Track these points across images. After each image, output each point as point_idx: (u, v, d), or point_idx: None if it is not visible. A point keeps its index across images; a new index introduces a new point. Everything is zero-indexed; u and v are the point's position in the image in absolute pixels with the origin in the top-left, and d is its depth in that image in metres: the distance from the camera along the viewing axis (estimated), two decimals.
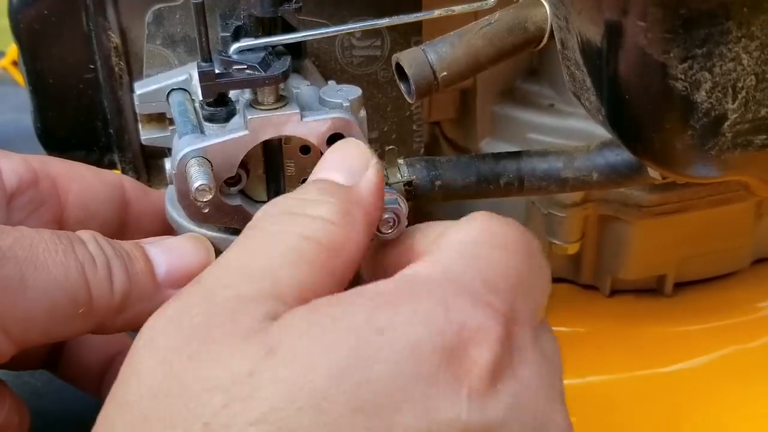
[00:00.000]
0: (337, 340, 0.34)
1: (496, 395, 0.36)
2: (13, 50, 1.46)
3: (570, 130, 0.79)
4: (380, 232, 0.51)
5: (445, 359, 0.34)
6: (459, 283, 0.38)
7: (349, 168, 0.46)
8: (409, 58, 0.56)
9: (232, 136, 0.54)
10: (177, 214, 0.62)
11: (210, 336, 0.34)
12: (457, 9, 0.57)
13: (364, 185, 0.45)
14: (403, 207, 0.52)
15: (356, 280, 0.44)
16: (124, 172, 0.72)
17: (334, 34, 0.61)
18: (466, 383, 0.35)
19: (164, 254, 0.50)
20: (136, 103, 0.63)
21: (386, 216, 0.51)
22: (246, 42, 0.55)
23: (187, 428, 0.31)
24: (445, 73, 0.56)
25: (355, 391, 0.32)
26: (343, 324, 0.34)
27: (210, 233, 0.60)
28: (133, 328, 0.42)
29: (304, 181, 0.59)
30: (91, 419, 0.74)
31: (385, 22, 0.58)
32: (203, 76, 0.53)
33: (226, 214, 0.57)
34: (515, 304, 0.39)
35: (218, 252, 0.62)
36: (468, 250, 0.41)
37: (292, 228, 0.41)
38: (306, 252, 0.39)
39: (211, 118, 0.56)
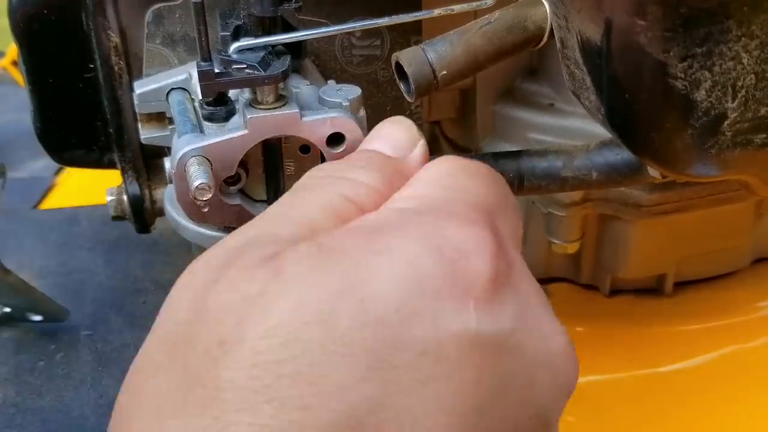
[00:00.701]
0: (338, 261, 0.35)
1: (501, 305, 0.37)
2: (13, 50, 1.46)
3: (570, 129, 0.79)
4: None
5: (448, 274, 0.35)
6: (446, 207, 0.39)
7: (399, 142, 0.47)
8: (408, 57, 0.56)
9: (231, 135, 0.54)
10: (176, 214, 0.62)
11: (231, 267, 0.36)
12: (457, 8, 0.57)
13: (411, 161, 0.46)
14: None
15: None
16: (123, 171, 0.72)
17: (334, 33, 0.61)
18: (472, 295, 0.35)
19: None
20: (136, 102, 0.63)
21: None
22: (246, 41, 0.55)
23: (206, 347, 0.33)
24: (444, 72, 0.56)
25: (360, 307, 0.33)
26: (343, 248, 0.36)
27: (210, 233, 0.60)
28: None
29: None
30: (91, 417, 0.74)
31: (384, 21, 0.58)
32: (203, 75, 0.53)
33: (226, 213, 0.57)
34: (499, 224, 0.40)
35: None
36: (446, 180, 0.42)
37: (336, 188, 0.41)
38: (345, 212, 0.40)
39: (210, 118, 0.56)
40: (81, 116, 0.71)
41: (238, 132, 0.54)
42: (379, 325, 0.33)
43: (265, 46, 0.55)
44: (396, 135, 0.47)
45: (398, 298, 0.34)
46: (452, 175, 0.42)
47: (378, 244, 0.36)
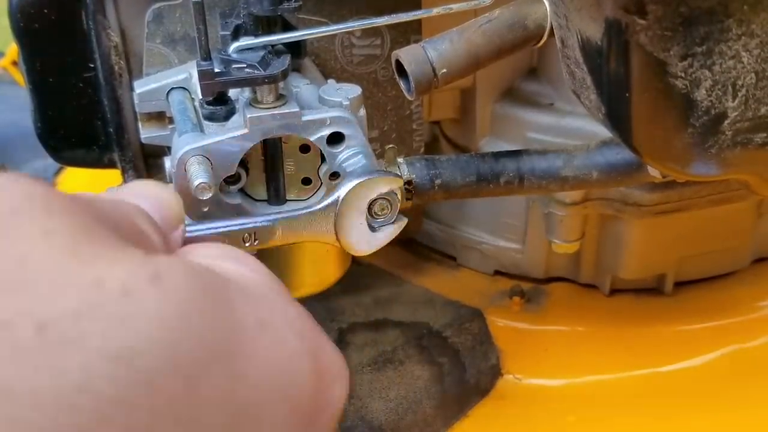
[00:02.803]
0: None
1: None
2: (13, 50, 1.46)
3: (570, 128, 0.79)
4: (374, 215, 0.52)
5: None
6: None
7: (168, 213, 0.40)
8: (408, 55, 0.56)
9: (231, 134, 0.54)
10: None
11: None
12: (456, 7, 0.57)
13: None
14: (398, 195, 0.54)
15: None
16: (124, 171, 0.72)
17: (334, 32, 0.61)
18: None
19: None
20: (136, 101, 0.63)
21: (381, 201, 0.52)
22: (245, 41, 0.55)
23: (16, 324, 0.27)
24: (444, 70, 0.56)
25: None
26: None
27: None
28: None
29: (303, 179, 0.60)
30: None
31: (384, 20, 0.58)
32: (203, 74, 0.53)
33: (226, 212, 0.57)
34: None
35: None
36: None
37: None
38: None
39: (210, 117, 0.56)
40: (81, 116, 0.71)
41: (238, 131, 0.54)
42: None
43: (264, 46, 0.55)
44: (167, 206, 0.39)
45: None
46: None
47: None
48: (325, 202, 0.53)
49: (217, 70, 0.53)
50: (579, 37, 0.49)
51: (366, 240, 0.54)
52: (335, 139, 0.56)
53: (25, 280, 0.27)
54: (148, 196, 0.38)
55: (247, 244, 0.50)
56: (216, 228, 0.49)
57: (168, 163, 0.65)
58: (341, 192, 0.53)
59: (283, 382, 0.32)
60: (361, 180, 0.53)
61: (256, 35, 0.56)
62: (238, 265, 0.37)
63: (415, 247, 0.95)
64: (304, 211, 0.52)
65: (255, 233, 0.51)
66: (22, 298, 0.27)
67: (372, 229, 0.54)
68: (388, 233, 0.55)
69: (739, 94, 0.45)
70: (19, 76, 1.39)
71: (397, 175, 0.56)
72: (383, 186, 0.53)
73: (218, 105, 0.56)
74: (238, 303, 0.32)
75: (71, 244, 0.28)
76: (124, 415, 0.26)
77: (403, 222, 0.55)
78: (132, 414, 0.26)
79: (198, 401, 0.28)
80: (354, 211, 0.53)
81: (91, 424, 0.26)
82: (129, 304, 0.27)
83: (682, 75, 0.44)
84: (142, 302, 0.28)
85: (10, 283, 0.27)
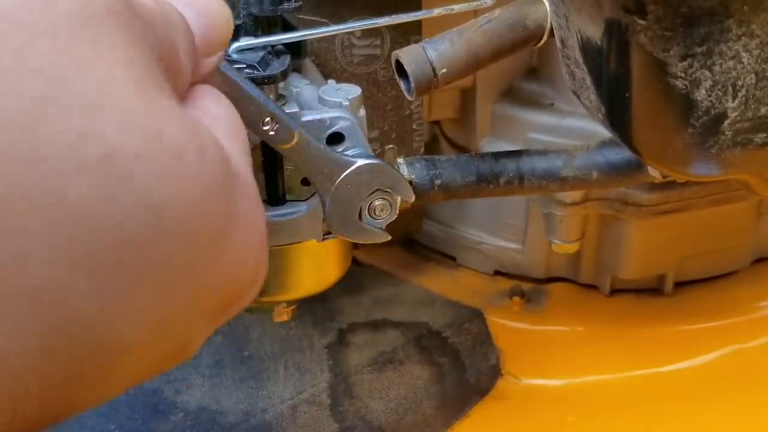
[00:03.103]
0: None
1: None
2: None
3: (570, 129, 0.79)
4: (375, 217, 0.52)
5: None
6: None
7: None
8: (408, 55, 0.56)
9: None
10: None
11: None
12: (457, 8, 0.57)
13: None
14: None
15: None
16: None
17: (334, 33, 0.61)
18: None
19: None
20: None
21: (378, 202, 0.52)
22: (245, 41, 0.55)
23: None
24: (444, 71, 0.56)
25: None
26: None
27: None
28: None
29: (303, 180, 0.60)
30: (90, 416, 0.74)
31: (384, 20, 0.58)
32: None
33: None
34: None
35: None
36: None
37: None
38: None
39: None
40: None
41: None
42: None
43: (264, 46, 0.55)
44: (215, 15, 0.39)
45: None
46: None
47: None
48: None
49: None
50: (579, 37, 0.49)
51: None
52: (335, 139, 0.56)
53: (102, 107, 0.28)
54: (198, 6, 0.38)
55: (265, 128, 0.48)
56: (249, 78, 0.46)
57: None
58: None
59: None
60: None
61: (256, 35, 0.56)
62: (235, 153, 0.37)
63: (414, 247, 0.95)
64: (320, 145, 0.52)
65: (278, 122, 0.48)
66: (97, 122, 0.28)
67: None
68: None
69: (739, 95, 0.45)
70: None
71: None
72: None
73: None
74: (234, 199, 0.34)
75: (143, 82, 0.30)
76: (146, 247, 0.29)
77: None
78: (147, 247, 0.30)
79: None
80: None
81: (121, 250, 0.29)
82: (178, 167, 0.30)
83: (682, 75, 0.44)
84: (188, 168, 0.30)
85: (89, 101, 0.28)
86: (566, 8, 0.49)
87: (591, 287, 0.90)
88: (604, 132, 0.55)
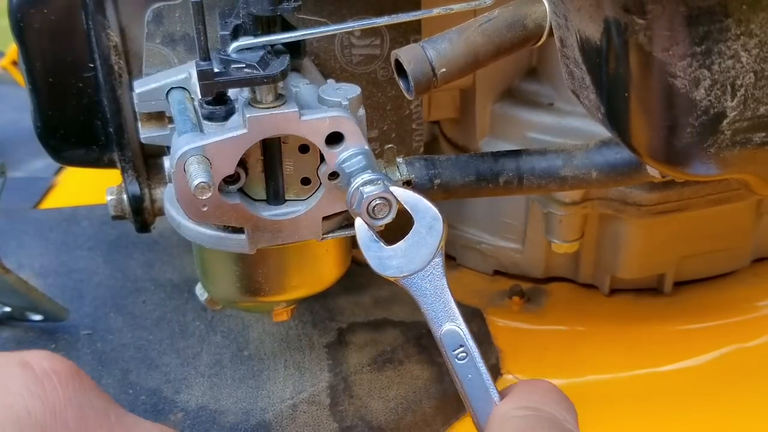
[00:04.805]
0: None
1: None
2: (13, 50, 1.46)
3: (569, 128, 0.79)
4: (374, 217, 0.52)
5: None
6: None
7: None
8: (408, 55, 0.56)
9: (230, 134, 0.54)
10: (176, 213, 0.62)
11: None
12: (456, 7, 0.57)
13: None
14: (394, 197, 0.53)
15: None
16: (123, 170, 0.72)
17: (334, 32, 0.61)
18: None
19: None
20: (136, 101, 0.63)
21: (377, 203, 0.52)
22: (245, 41, 0.55)
23: None
24: (444, 70, 0.56)
25: None
26: None
27: (210, 231, 0.60)
28: None
29: (303, 179, 0.60)
30: None
31: (384, 20, 0.58)
32: (202, 74, 0.53)
33: (225, 212, 0.57)
34: None
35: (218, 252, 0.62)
36: None
37: None
38: None
39: (210, 117, 0.56)
40: (81, 116, 0.71)
41: (238, 131, 0.54)
42: None
43: (264, 46, 0.55)
44: None
45: None
46: None
47: None
48: None
49: (216, 70, 0.53)
50: (578, 36, 0.49)
51: None
52: (334, 139, 0.56)
53: None
54: None
55: None
56: None
57: (167, 162, 0.65)
58: None
59: None
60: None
61: (256, 35, 0.56)
62: None
63: None
64: None
65: None
66: None
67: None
68: None
69: (738, 94, 0.45)
70: (19, 76, 1.39)
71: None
72: None
73: (217, 105, 0.56)
74: None
75: None
76: None
77: None
78: None
79: None
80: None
81: None
82: None
83: (681, 74, 0.44)
84: None
85: None
86: (565, 8, 0.49)
87: (590, 287, 0.90)
88: (603, 132, 0.55)
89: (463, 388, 0.51)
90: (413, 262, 0.52)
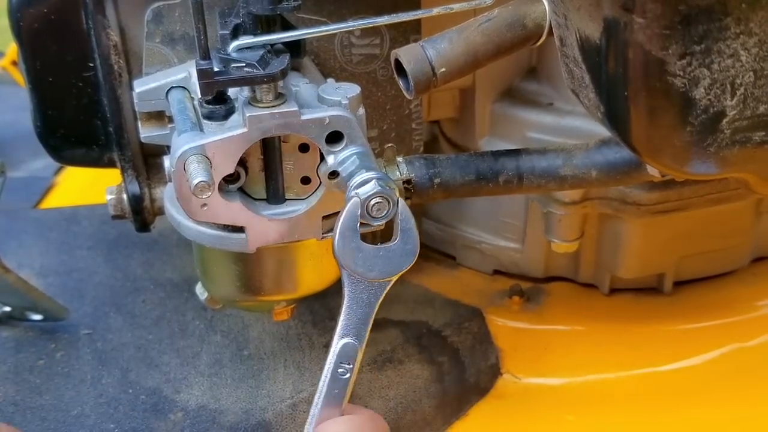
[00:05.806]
0: None
1: None
2: (13, 50, 1.46)
3: (569, 128, 0.79)
4: (372, 216, 0.53)
5: None
6: None
7: None
8: (407, 54, 0.56)
9: (230, 133, 0.54)
10: (176, 212, 0.62)
11: None
12: (456, 7, 0.57)
13: None
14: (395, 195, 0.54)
15: None
16: (123, 170, 0.72)
17: (334, 32, 0.61)
18: None
19: None
20: (136, 101, 0.63)
21: (375, 201, 0.52)
22: (245, 40, 0.55)
23: None
24: (443, 69, 0.56)
25: None
26: None
27: (210, 231, 0.60)
28: None
29: (303, 178, 0.60)
30: (90, 415, 0.74)
31: (384, 20, 0.58)
32: (202, 74, 0.53)
33: (225, 211, 0.57)
34: None
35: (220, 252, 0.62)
36: None
37: None
38: None
39: (210, 116, 0.56)
40: (81, 115, 0.71)
41: (238, 130, 0.54)
42: None
43: (264, 45, 0.55)
44: None
45: None
46: None
47: None
48: None
49: (216, 69, 0.53)
50: (578, 35, 0.49)
51: None
52: (334, 138, 0.56)
53: None
54: None
55: None
56: None
57: (167, 162, 0.65)
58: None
59: None
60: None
61: (256, 34, 0.56)
62: None
63: None
64: None
65: None
66: None
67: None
68: None
69: (738, 93, 0.45)
70: (19, 76, 1.39)
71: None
72: None
73: (217, 104, 0.56)
74: None
75: None
76: None
77: None
78: None
79: None
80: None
81: None
82: None
83: (681, 73, 0.44)
84: None
85: None
86: (565, 7, 0.49)
87: (590, 286, 0.90)
88: (603, 131, 0.55)
89: (322, 395, 0.54)
90: (371, 271, 0.53)
